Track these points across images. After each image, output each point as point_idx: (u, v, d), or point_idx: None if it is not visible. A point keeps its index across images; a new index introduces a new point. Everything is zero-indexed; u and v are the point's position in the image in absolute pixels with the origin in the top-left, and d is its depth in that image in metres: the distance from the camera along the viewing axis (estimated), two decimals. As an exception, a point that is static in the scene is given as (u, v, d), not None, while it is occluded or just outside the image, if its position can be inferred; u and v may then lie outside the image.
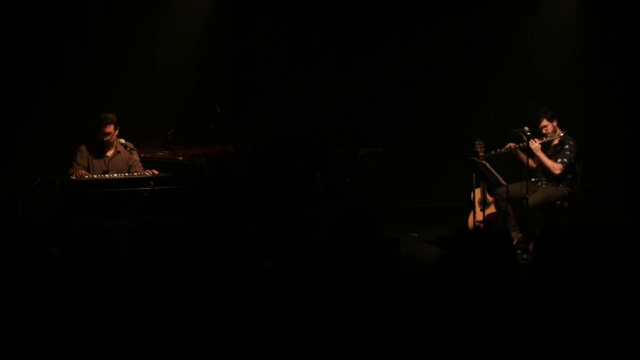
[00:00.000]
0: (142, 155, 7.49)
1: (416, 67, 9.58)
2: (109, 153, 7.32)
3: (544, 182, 7.72)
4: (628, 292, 3.05)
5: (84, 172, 7.12)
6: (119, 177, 6.99)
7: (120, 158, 7.33)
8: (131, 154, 7.30)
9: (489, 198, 7.87)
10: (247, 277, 3.55)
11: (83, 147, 7.32)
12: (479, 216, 7.86)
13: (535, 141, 7.47)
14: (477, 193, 7.89)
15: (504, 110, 9.08)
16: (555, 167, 7.59)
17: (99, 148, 7.30)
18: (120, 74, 8.81)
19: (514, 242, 7.36)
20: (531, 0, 9.59)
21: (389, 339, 2.82)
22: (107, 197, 6.78)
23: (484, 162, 7.54)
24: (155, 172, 7.17)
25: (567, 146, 7.62)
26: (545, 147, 7.62)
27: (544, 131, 7.61)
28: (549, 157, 7.63)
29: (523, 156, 7.59)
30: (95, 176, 7.07)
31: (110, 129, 7.21)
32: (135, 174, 7.15)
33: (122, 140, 7.31)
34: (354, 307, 3.05)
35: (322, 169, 7.68)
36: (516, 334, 2.66)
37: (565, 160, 7.58)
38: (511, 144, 7.69)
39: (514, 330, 2.67)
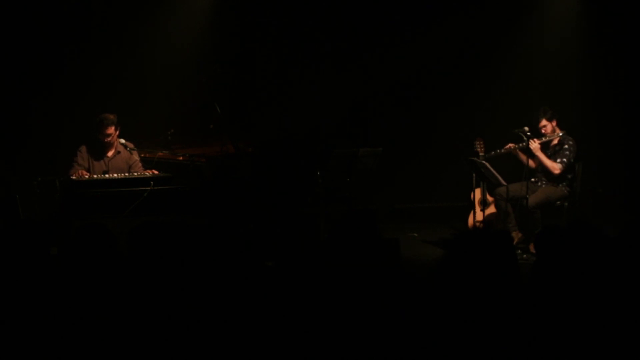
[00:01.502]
0: (142, 155, 7.49)
1: (416, 67, 9.58)
2: (109, 153, 7.32)
3: (544, 182, 7.72)
4: (629, 292, 3.05)
5: (84, 172, 7.11)
6: (119, 177, 6.99)
7: (120, 158, 7.33)
8: (131, 154, 7.30)
9: (489, 198, 7.87)
10: (247, 277, 3.54)
11: (83, 148, 7.32)
12: (479, 216, 7.86)
13: (535, 141, 7.47)
14: (477, 193, 7.89)
15: (504, 110, 9.08)
16: (555, 167, 7.59)
17: (99, 148, 7.30)
18: (120, 74, 8.81)
19: (514, 242, 7.36)
20: (531, 0, 9.60)
21: (389, 339, 2.82)
22: (107, 197, 6.77)
23: (484, 162, 7.55)
24: (155, 172, 7.17)
25: (566, 146, 7.62)
26: (544, 147, 7.62)
27: (543, 131, 7.61)
28: (548, 157, 7.63)
29: (523, 156, 7.59)
30: (95, 176, 7.07)
31: (111, 130, 7.21)
32: (135, 174, 7.14)
33: (122, 140, 7.31)
34: (354, 307, 3.05)
35: (322, 169, 7.68)
36: (516, 334, 2.66)
37: (565, 160, 7.58)
38: (511, 145, 7.69)
39: (514, 330, 2.67)
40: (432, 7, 9.53)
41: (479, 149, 7.78)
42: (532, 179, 7.64)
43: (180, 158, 7.75)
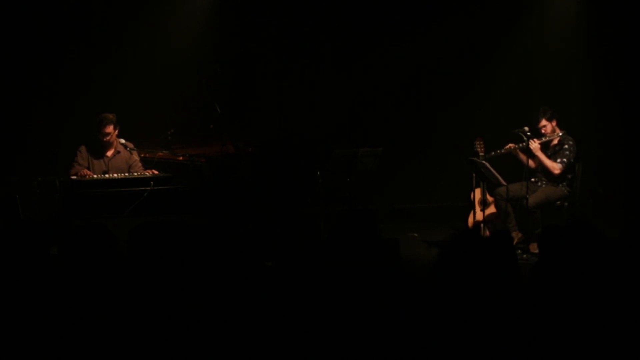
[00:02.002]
0: (142, 155, 7.49)
1: (416, 67, 9.59)
2: (109, 153, 7.32)
3: (544, 182, 7.72)
4: (629, 292, 3.04)
5: (87, 171, 7.12)
6: (119, 177, 7.00)
7: (120, 158, 7.33)
8: (131, 154, 7.30)
9: (489, 198, 7.87)
10: (247, 277, 3.54)
11: (83, 148, 7.32)
12: (479, 216, 7.86)
13: (535, 141, 7.47)
14: (477, 193, 7.89)
15: (504, 110, 9.08)
16: (555, 167, 7.58)
17: (98, 148, 7.30)
18: (120, 74, 8.81)
19: (514, 242, 7.36)
20: (531, 0, 9.60)
21: (389, 339, 2.82)
22: (107, 197, 6.78)
23: (484, 162, 7.54)
24: (155, 172, 7.17)
25: (566, 146, 7.62)
26: (544, 147, 7.62)
27: (543, 131, 7.61)
28: (548, 157, 7.63)
29: (523, 156, 7.59)
30: (95, 176, 7.07)
31: (110, 129, 7.22)
32: (135, 174, 7.15)
33: (122, 140, 7.32)
34: (354, 307, 3.05)
35: (322, 169, 7.68)
36: (517, 334, 2.66)
37: (565, 160, 7.58)
38: (511, 145, 7.69)
39: (515, 331, 2.67)
40: (432, 7, 9.53)
41: (479, 149, 7.78)
42: (532, 179, 7.64)
43: (180, 158, 7.75)
